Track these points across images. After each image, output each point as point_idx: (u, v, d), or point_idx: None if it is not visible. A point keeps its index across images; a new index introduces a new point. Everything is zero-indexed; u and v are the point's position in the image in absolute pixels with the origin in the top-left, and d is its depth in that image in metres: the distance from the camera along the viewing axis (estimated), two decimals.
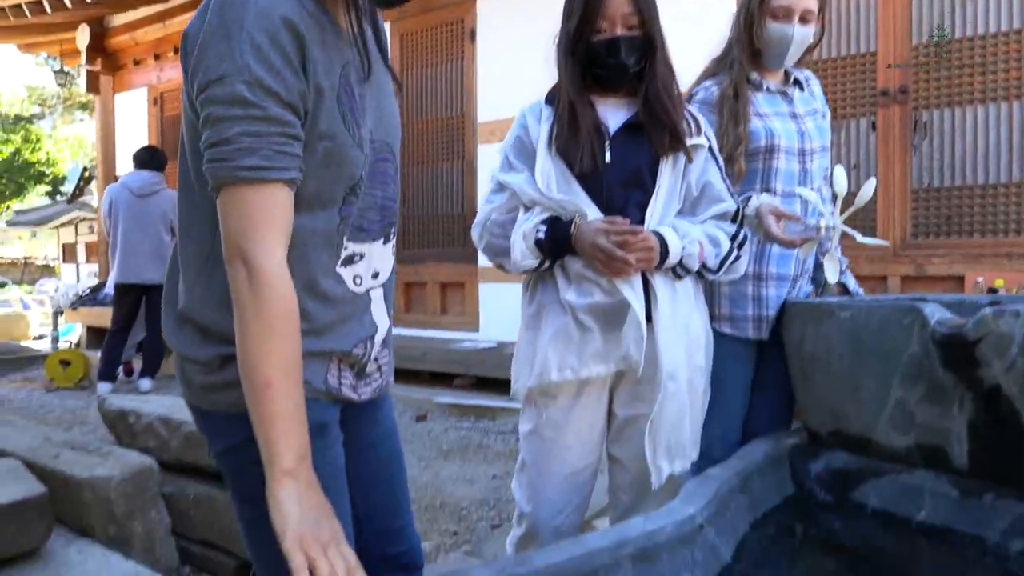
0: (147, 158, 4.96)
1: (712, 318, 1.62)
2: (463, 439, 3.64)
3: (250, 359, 0.89)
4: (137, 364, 5.51)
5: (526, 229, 1.41)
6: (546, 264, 1.44)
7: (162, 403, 2.81)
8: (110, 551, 1.99)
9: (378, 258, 1.09)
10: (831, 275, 1.59)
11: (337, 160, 0.97)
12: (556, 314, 1.42)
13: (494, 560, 1.02)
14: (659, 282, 1.40)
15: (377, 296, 1.11)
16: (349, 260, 1.05)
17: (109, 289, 5.37)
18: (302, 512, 0.87)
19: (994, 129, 3.50)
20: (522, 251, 1.41)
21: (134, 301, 4.86)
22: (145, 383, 4.87)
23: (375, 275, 1.09)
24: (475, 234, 1.54)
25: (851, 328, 1.50)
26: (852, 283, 1.86)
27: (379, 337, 1.11)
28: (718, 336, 1.61)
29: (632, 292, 1.35)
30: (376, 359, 1.12)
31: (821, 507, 1.53)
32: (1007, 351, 1.22)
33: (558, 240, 1.40)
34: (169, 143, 6.72)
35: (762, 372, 1.76)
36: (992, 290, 3.27)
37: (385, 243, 1.11)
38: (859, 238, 1.62)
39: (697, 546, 1.17)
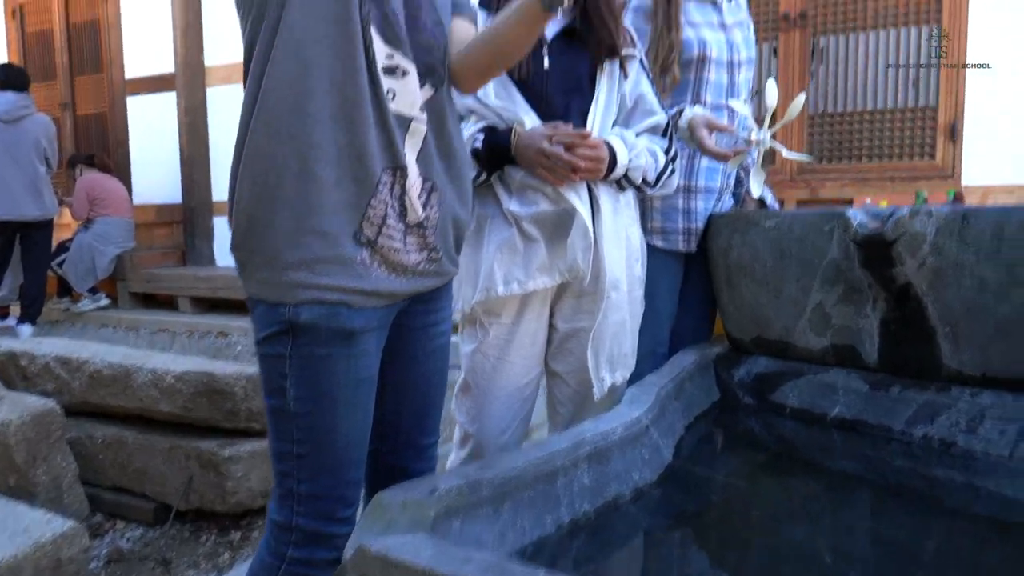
0: (8, 77, 4.43)
1: (643, 232, 1.65)
2: None
3: None
4: (14, 309, 5.07)
5: None
6: (483, 176, 1.40)
7: (55, 344, 2.60)
8: (12, 502, 1.85)
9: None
10: (756, 188, 1.64)
11: None
12: (499, 227, 1.40)
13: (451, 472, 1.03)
14: (603, 193, 1.39)
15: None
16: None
17: None
18: None
19: (883, 55, 3.68)
20: None
21: (8, 239, 4.45)
22: (25, 329, 4.50)
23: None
24: None
25: (776, 236, 1.57)
26: (770, 198, 1.93)
27: (413, 177, 1.03)
28: (650, 249, 1.64)
29: (579, 199, 1.34)
30: (425, 204, 1.05)
31: (745, 409, 1.62)
32: (919, 249, 1.30)
33: (496, 149, 1.36)
34: (34, 62, 6.00)
35: (684, 289, 1.82)
36: None
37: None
38: (785, 153, 1.67)
39: (644, 446, 1.22)
